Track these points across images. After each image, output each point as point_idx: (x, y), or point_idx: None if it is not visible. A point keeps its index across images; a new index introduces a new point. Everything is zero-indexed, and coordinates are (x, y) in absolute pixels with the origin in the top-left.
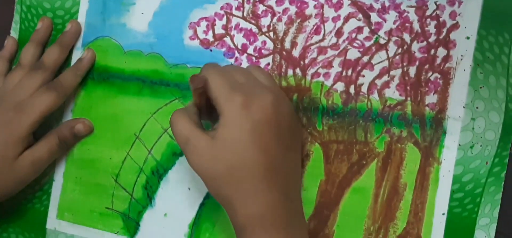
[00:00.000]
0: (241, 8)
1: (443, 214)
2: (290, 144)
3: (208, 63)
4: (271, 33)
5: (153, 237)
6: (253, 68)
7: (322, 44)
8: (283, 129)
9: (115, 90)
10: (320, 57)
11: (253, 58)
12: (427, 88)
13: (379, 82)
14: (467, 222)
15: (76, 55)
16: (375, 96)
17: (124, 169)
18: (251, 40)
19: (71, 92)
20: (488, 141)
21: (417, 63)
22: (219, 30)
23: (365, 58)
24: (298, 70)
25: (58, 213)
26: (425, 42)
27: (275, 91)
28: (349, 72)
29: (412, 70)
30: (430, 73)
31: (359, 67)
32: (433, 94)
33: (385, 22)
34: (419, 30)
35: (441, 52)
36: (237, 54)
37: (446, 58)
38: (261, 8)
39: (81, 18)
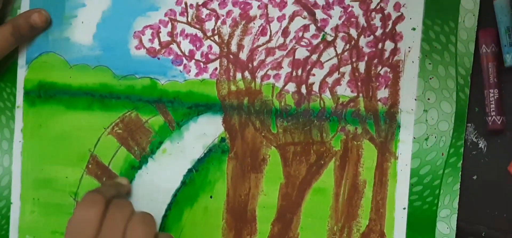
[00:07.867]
0: (185, 14)
1: (404, 208)
2: None
3: None
4: (216, 37)
5: None
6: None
7: (269, 45)
8: None
9: (64, 107)
10: (269, 59)
11: (201, 63)
12: (377, 83)
13: (330, 80)
14: (428, 214)
15: (20, 74)
16: (327, 94)
17: (82, 187)
18: (197, 45)
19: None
20: (442, 132)
21: (365, 58)
22: (165, 37)
23: (314, 57)
24: (247, 73)
25: (19, 236)
26: (372, 36)
27: None
28: (299, 72)
29: (362, 66)
30: (379, 68)
31: (309, 66)
32: (384, 88)
33: (331, 18)
34: (365, 25)
35: (389, 45)
36: (185, 61)
37: (394, 51)
38: (204, 12)
39: None
